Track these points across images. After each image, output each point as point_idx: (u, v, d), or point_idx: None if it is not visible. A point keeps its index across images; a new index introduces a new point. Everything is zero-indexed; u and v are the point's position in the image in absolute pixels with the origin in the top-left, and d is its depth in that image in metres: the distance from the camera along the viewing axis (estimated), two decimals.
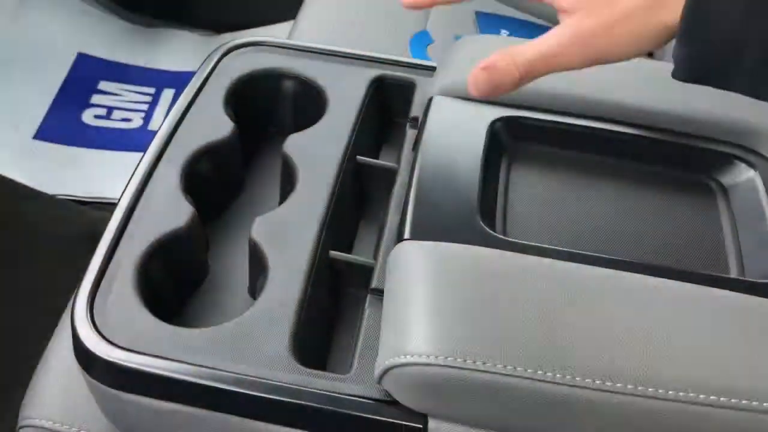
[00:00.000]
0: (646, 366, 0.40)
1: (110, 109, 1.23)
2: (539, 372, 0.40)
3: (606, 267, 0.45)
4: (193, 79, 0.63)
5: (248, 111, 0.64)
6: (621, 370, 0.40)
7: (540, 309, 0.42)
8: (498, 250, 0.45)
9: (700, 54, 0.37)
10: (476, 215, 0.48)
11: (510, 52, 0.42)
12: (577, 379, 0.40)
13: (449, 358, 0.40)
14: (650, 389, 0.40)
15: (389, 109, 0.67)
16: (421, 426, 0.43)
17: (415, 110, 0.63)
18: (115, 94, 1.25)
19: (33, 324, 0.84)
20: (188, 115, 0.60)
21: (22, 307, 0.85)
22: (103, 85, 1.26)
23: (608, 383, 0.40)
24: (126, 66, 1.29)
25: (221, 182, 0.60)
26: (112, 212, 0.51)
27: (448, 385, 0.41)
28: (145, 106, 1.24)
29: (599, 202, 0.52)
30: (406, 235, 0.47)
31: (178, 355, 0.45)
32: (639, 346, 0.41)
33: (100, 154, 1.15)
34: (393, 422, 0.43)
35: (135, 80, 1.28)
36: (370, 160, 0.60)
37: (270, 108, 0.66)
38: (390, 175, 0.59)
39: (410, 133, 0.61)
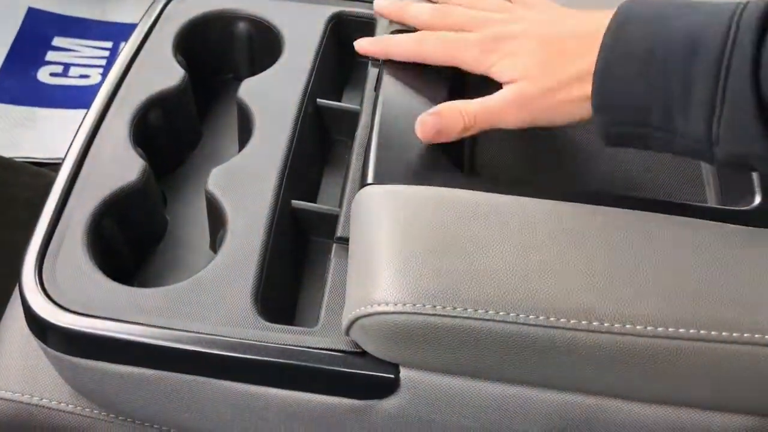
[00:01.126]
0: (624, 302, 0.38)
1: (67, 66, 1.18)
2: (511, 315, 0.38)
3: (580, 201, 0.43)
4: (139, 25, 0.60)
5: (200, 57, 0.61)
6: (598, 307, 0.38)
7: (510, 249, 0.40)
8: (465, 190, 0.43)
9: (614, 122, 0.42)
10: (441, 155, 0.45)
11: (457, 104, 0.46)
12: (551, 319, 0.38)
13: (417, 305, 0.38)
14: (627, 326, 0.38)
15: (350, 48, 0.63)
16: (392, 376, 0.41)
17: None
18: (71, 50, 1.20)
19: None
20: (135, 65, 0.56)
21: None
22: (57, 41, 1.21)
23: (584, 322, 0.38)
24: (80, 20, 1.24)
25: (175, 133, 0.57)
26: None
27: (418, 332, 0.39)
28: (102, 62, 1.19)
29: (572, 134, 0.49)
30: (369, 179, 0.44)
31: (134, 317, 0.43)
32: (617, 282, 0.39)
33: (59, 113, 1.10)
34: (364, 374, 0.42)
35: (91, 34, 1.22)
36: (331, 102, 0.57)
37: (223, 52, 0.62)
38: (353, 117, 0.56)
39: (372, 73, 0.58)
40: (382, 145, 0.46)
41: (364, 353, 0.42)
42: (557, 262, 0.40)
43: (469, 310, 0.38)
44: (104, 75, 1.16)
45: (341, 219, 0.49)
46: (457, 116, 0.45)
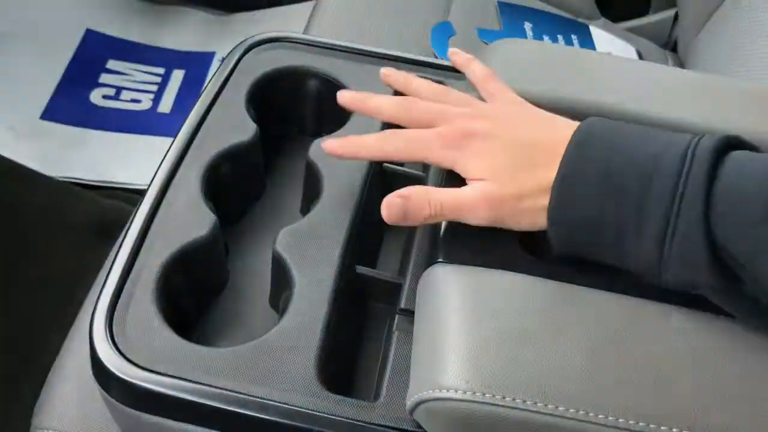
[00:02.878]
0: (695, 410, 0.38)
1: (119, 90, 1.20)
2: (581, 413, 0.38)
3: (650, 298, 0.43)
4: (215, 76, 0.61)
5: (270, 111, 0.62)
6: (668, 413, 0.38)
7: (583, 344, 0.40)
8: (539, 278, 0.43)
9: (567, 236, 0.43)
10: (514, 238, 0.46)
11: (427, 191, 0.46)
12: (620, 420, 0.38)
13: (487, 395, 0.39)
14: (663, 427, 0.38)
15: None
16: None
17: None
18: (124, 74, 1.22)
19: (39, 315, 0.82)
20: (210, 116, 0.58)
21: (29, 297, 0.84)
22: (111, 63, 1.23)
23: (652, 426, 0.38)
24: (135, 44, 1.26)
25: (242, 186, 0.58)
26: (121, 200, 0.49)
27: (485, 421, 0.39)
28: (154, 87, 1.21)
29: None
30: (439, 257, 0.45)
31: (199, 377, 0.44)
32: (688, 387, 0.39)
33: (109, 136, 1.12)
34: None
35: (144, 60, 1.25)
36: (398, 167, 0.58)
37: (293, 108, 0.64)
38: (418, 183, 0.57)
39: None
40: (455, 223, 0.47)
41: None
42: (631, 362, 0.40)
43: (539, 404, 0.38)
44: (155, 101, 1.19)
45: (405, 290, 0.49)
46: (423, 203, 0.45)
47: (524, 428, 0.39)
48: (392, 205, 0.46)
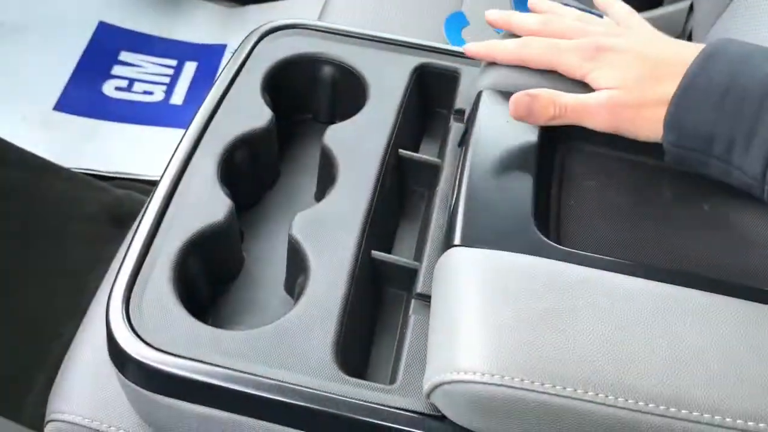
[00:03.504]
0: (717, 393, 0.38)
1: (131, 81, 1.20)
2: (600, 395, 0.38)
3: (673, 282, 0.42)
4: (229, 63, 0.61)
5: (285, 97, 0.62)
6: (689, 396, 0.38)
7: (601, 327, 0.40)
8: (556, 261, 0.43)
9: (679, 142, 0.46)
10: (530, 221, 0.46)
11: (554, 93, 0.49)
12: (640, 404, 0.38)
13: (505, 377, 0.38)
14: (717, 418, 0.38)
15: (430, 98, 0.64)
16: None
17: (460, 102, 0.60)
18: (137, 66, 1.23)
19: (52, 304, 0.83)
20: (225, 102, 0.57)
21: (42, 286, 0.84)
22: (124, 55, 1.24)
23: (672, 409, 0.38)
24: (148, 36, 1.27)
25: (257, 172, 0.58)
26: (134, 190, 0.49)
27: (502, 404, 0.39)
28: (166, 79, 1.21)
29: (659, 209, 0.49)
30: (456, 240, 0.45)
31: (216, 359, 0.43)
32: (709, 370, 0.39)
33: (121, 128, 1.13)
34: None
35: (157, 51, 1.25)
36: (413, 154, 0.57)
37: (306, 94, 0.63)
38: (433, 170, 0.57)
39: (455, 127, 0.59)
40: (471, 206, 0.46)
41: (443, 417, 0.42)
42: (648, 345, 0.39)
43: (557, 387, 0.38)
44: (167, 93, 1.19)
45: (421, 275, 0.49)
46: (549, 103, 0.48)
47: (543, 411, 0.39)
48: (519, 102, 0.48)
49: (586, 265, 0.43)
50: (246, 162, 0.56)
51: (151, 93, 1.19)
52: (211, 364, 0.43)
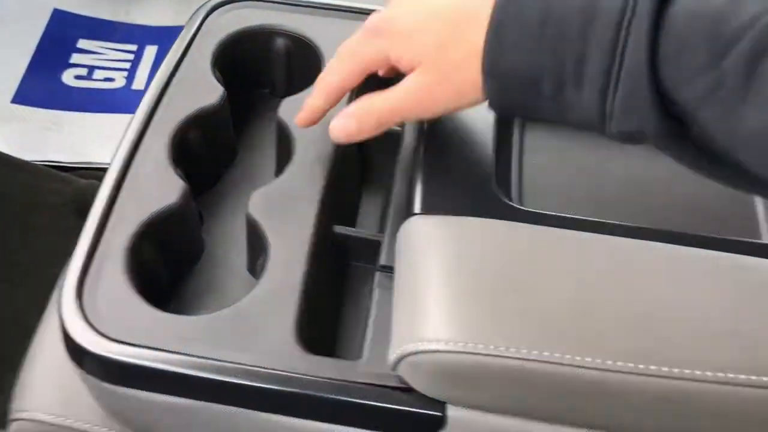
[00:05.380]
0: (684, 346, 0.37)
1: (91, 69, 1.17)
2: (567, 356, 0.37)
3: (633, 237, 0.42)
4: (177, 40, 0.59)
5: (238, 73, 0.60)
6: (657, 351, 0.37)
7: (565, 287, 0.39)
8: (518, 223, 0.42)
9: (504, 89, 0.40)
10: (491, 184, 0.44)
11: (366, 103, 0.45)
12: (608, 362, 0.37)
13: (470, 344, 0.37)
14: (687, 371, 0.37)
15: None
16: (439, 413, 0.40)
17: None
18: (96, 53, 1.20)
19: (19, 299, 0.81)
20: (174, 80, 0.56)
21: (7, 282, 0.82)
22: (82, 43, 1.21)
23: (641, 366, 0.37)
24: (105, 22, 1.24)
25: (212, 151, 0.56)
26: (99, 179, 0.47)
27: (470, 372, 0.38)
28: (127, 65, 1.18)
29: (621, 166, 0.48)
30: (416, 209, 0.43)
31: (175, 346, 0.42)
32: (677, 323, 0.38)
33: (83, 117, 1.10)
34: (409, 410, 0.41)
35: (116, 37, 1.22)
36: None
37: (261, 68, 0.61)
38: (393, 138, 0.55)
39: None
40: (430, 173, 0.45)
41: (410, 390, 0.41)
42: (613, 302, 0.39)
43: (522, 350, 0.37)
44: (129, 79, 1.16)
45: (384, 247, 0.48)
46: (364, 116, 0.45)
47: (509, 376, 0.38)
48: (335, 129, 0.47)
49: (549, 225, 0.42)
50: (200, 142, 0.55)
51: (112, 80, 1.16)
52: (169, 351, 0.42)
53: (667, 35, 0.35)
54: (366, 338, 0.44)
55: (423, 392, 0.40)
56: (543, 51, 0.38)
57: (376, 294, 0.46)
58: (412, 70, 0.43)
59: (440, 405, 0.40)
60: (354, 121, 0.46)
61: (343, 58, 0.47)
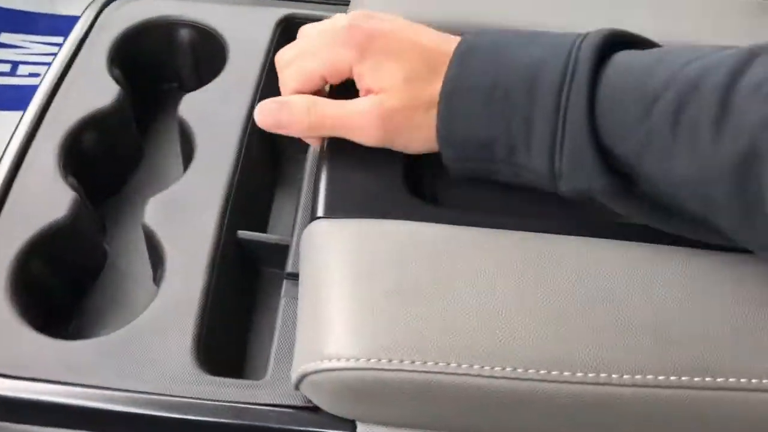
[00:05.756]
0: (601, 347, 0.34)
1: (15, 64, 1.12)
2: (475, 367, 0.34)
3: (552, 232, 0.39)
4: (70, 37, 0.54)
5: (139, 68, 0.56)
6: (570, 356, 0.34)
7: (475, 291, 0.36)
8: (426, 224, 0.39)
9: (459, 157, 0.40)
10: (400, 182, 0.41)
11: (312, 99, 0.41)
12: (519, 370, 0.34)
13: (372, 360, 0.34)
14: (603, 375, 0.34)
15: None
16: None
17: None
18: (20, 47, 1.14)
19: None
20: (65, 83, 0.52)
21: None
22: (4, 37, 1.15)
23: (554, 372, 0.34)
24: (28, 14, 1.18)
25: (113, 155, 0.53)
26: None
27: (374, 388, 0.35)
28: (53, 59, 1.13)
29: None
30: (319, 212, 0.40)
31: (60, 376, 0.39)
32: (592, 323, 0.35)
33: (5, 116, 1.05)
34: (318, 431, 0.38)
35: (40, 29, 1.16)
36: None
37: (165, 62, 0.58)
38: None
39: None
40: (334, 171, 0.42)
41: (317, 409, 0.38)
42: (526, 306, 0.36)
43: (428, 363, 0.34)
44: None
45: (291, 252, 0.44)
46: (302, 111, 0.41)
47: (417, 390, 0.35)
48: (263, 110, 0.42)
49: (461, 224, 0.39)
50: (96, 146, 0.51)
51: (37, 75, 1.11)
52: (54, 382, 0.39)
53: (604, 91, 0.36)
54: (271, 354, 0.41)
55: (329, 411, 0.37)
56: (493, 117, 0.38)
57: (282, 305, 0.43)
58: (369, 92, 0.40)
59: (350, 423, 0.38)
60: (287, 112, 0.42)
61: (306, 57, 0.42)
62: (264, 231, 0.50)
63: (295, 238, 0.45)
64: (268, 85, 0.53)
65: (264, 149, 0.52)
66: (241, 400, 0.38)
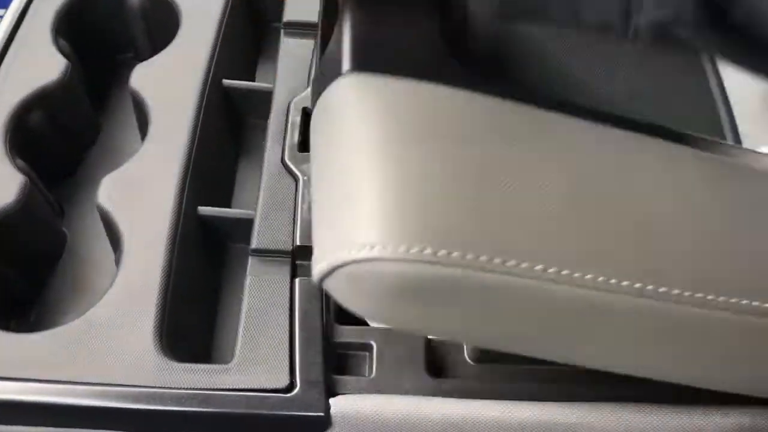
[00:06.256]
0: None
1: None
2: (565, 272, 0.28)
3: (598, 121, 0.33)
4: (10, 8, 0.51)
5: (89, 39, 0.53)
6: (649, 268, 0.30)
7: (556, 180, 0.30)
8: (479, 94, 0.32)
9: None
10: (438, 37, 0.34)
11: None
12: (613, 281, 0.29)
13: (426, 251, 0.27)
14: (662, 288, 0.29)
15: (260, 13, 0.56)
16: (322, 414, 0.36)
17: (289, 12, 0.52)
18: None
19: None
20: (6, 57, 0.48)
21: None
22: None
23: (624, 283, 0.29)
24: None
25: (65, 133, 0.50)
26: None
27: (429, 286, 0.28)
28: None
29: (589, 54, 0.40)
30: (347, 65, 0.32)
31: (17, 371, 0.37)
32: (677, 239, 0.31)
33: None
34: (291, 414, 0.36)
35: None
36: (239, 82, 0.50)
37: (116, 31, 0.54)
38: (266, 99, 0.49)
39: (286, 43, 0.51)
40: (365, 14, 0.34)
41: (287, 390, 0.36)
42: (611, 205, 0.31)
43: (497, 260, 0.27)
44: None
45: (256, 226, 0.42)
46: None
47: (478, 293, 0.28)
48: None
49: (514, 101, 0.32)
50: (45, 124, 0.48)
51: None
52: (10, 379, 0.36)
53: None
54: (239, 335, 0.39)
55: (355, 311, 0.29)
56: None
57: (248, 283, 0.40)
58: None
59: (323, 405, 0.36)
60: None
61: None
62: (228, 205, 0.47)
63: (260, 210, 0.42)
64: (224, 50, 0.50)
65: (223, 118, 0.49)
66: (208, 386, 0.36)
